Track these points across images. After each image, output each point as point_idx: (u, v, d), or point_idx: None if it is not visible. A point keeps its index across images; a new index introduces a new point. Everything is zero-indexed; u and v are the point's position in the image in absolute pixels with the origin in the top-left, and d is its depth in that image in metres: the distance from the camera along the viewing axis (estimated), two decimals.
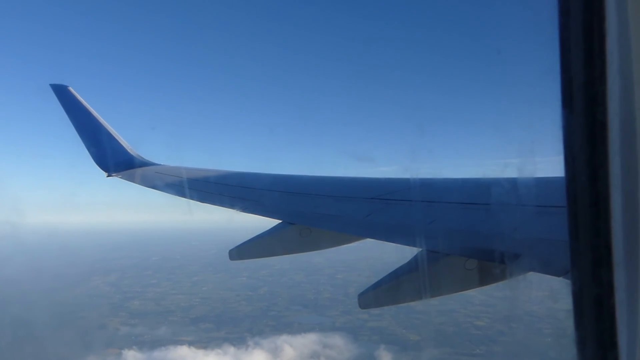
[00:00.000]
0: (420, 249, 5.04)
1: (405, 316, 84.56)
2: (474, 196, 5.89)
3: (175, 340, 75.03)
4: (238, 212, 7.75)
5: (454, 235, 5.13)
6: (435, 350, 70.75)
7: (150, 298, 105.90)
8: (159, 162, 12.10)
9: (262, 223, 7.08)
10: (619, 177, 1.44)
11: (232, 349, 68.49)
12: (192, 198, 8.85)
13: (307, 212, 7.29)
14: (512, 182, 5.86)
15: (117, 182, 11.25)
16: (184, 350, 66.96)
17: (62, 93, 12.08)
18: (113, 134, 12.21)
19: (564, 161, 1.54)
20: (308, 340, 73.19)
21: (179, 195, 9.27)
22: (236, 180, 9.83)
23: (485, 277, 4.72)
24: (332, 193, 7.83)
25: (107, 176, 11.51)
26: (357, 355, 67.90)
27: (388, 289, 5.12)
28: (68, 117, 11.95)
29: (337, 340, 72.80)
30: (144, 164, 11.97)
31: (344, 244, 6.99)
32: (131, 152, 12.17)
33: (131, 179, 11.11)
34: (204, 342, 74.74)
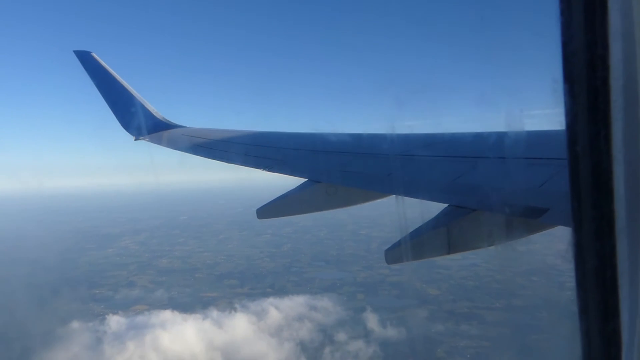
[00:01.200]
0: (446, 205, 5.05)
1: (426, 271, 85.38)
2: (501, 150, 5.82)
3: (200, 297, 77.77)
4: (264, 171, 7.84)
5: (480, 190, 5.12)
6: (453, 305, 71.49)
7: (178, 256, 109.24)
8: (184, 125, 12.27)
9: (288, 182, 7.17)
10: (620, 142, 1.41)
11: (215, 313, 68.92)
12: (218, 159, 9.10)
13: (333, 170, 7.29)
14: (539, 135, 5.86)
15: (145, 145, 11.62)
16: (166, 315, 67.40)
17: (86, 59, 12.31)
18: (138, 98, 12.41)
19: (565, 127, 1.52)
20: (295, 303, 73.59)
21: (206, 157, 9.47)
22: (261, 140, 9.96)
23: (512, 232, 4.71)
24: (357, 150, 7.88)
25: (135, 140, 11.76)
26: (343, 318, 68.09)
27: (415, 245, 5.13)
28: (93, 82, 12.21)
29: (325, 303, 73.11)
30: (170, 126, 12.11)
31: (369, 200, 6.98)
32: (157, 116, 12.35)
33: (158, 142, 11.34)
34: (228, 298, 77.21)
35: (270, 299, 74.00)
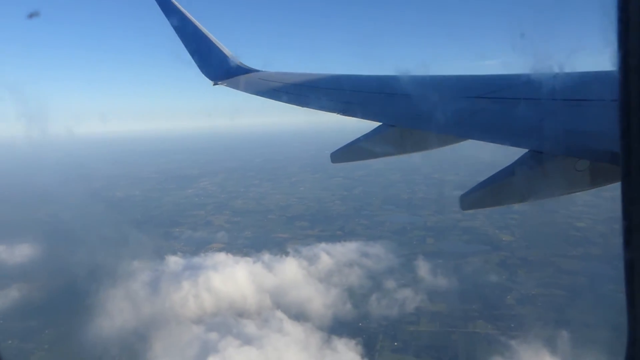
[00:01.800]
0: (527, 150, 4.83)
1: (499, 216, 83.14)
2: (587, 92, 5.47)
3: (272, 238, 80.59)
4: (338, 115, 7.68)
5: (564, 135, 4.79)
6: (527, 251, 69.43)
7: (252, 197, 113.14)
8: (260, 69, 12.28)
9: (362, 125, 7.06)
10: None
11: (267, 256, 69.90)
12: (293, 103, 9.11)
13: (408, 113, 7.17)
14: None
15: (223, 90, 11.81)
16: (223, 257, 69.28)
17: (165, 4, 12.38)
18: (216, 43, 12.44)
19: (619, 121, 1.36)
20: (347, 249, 73.07)
21: (281, 101, 9.50)
22: (336, 83, 9.88)
23: (596, 179, 4.49)
24: (433, 93, 7.51)
25: (213, 85, 11.97)
26: (395, 265, 67.17)
27: (492, 191, 5.01)
28: (173, 28, 12.27)
29: (377, 250, 72.31)
30: (247, 71, 12.20)
31: (446, 145, 6.80)
32: (234, 60, 12.43)
33: (235, 86, 11.45)
34: (298, 239, 79.48)
35: (322, 245, 74.72)
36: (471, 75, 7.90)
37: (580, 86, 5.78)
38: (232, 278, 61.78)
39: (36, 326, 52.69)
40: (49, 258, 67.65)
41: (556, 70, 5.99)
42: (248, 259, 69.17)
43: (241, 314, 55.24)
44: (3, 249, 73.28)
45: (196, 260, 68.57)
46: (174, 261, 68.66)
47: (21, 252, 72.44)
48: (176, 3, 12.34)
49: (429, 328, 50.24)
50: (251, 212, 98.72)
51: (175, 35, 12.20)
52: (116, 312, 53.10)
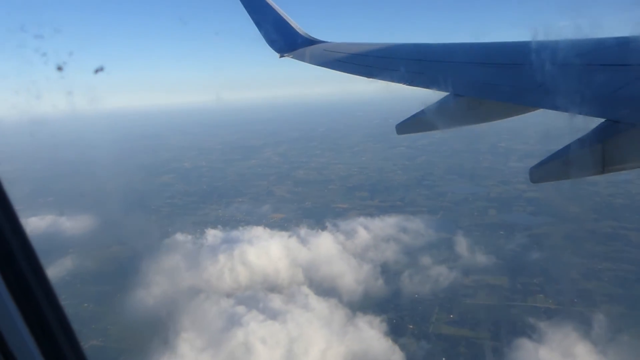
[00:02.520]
0: (603, 120, 4.64)
1: (568, 187, 79.42)
2: None
3: (332, 208, 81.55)
4: (404, 85, 7.60)
5: None
6: (594, 224, 66.33)
7: (314, 167, 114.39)
8: (326, 40, 12.41)
9: (428, 95, 6.93)
10: None
11: (303, 231, 68.78)
12: (358, 74, 9.09)
13: (476, 82, 6.98)
14: None
15: (289, 62, 12.00)
16: (258, 231, 69.15)
17: None
18: (282, 15, 12.63)
19: None
20: (386, 224, 71.22)
21: (346, 72, 9.52)
22: (402, 52, 9.66)
23: None
24: (501, 61, 7.31)
25: (280, 57, 12.12)
26: (436, 240, 65.66)
27: (565, 163, 4.83)
28: (240, 1, 12.66)
29: (417, 225, 70.34)
30: (313, 42, 12.29)
31: (515, 115, 6.67)
32: (300, 32, 12.56)
33: (301, 58, 11.60)
34: (358, 209, 79.95)
35: (361, 219, 73.52)
36: (541, 40, 7.30)
37: None
38: (267, 252, 62.30)
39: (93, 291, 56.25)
40: (110, 228, 70.66)
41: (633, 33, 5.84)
42: (284, 233, 69.19)
43: (272, 288, 55.70)
44: (74, 220, 77.68)
45: (234, 233, 68.96)
46: (214, 234, 69.48)
47: (83, 223, 75.71)
48: None
49: (487, 301, 49.65)
50: (312, 182, 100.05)
51: (242, 6, 12.46)
52: (154, 284, 55.11)
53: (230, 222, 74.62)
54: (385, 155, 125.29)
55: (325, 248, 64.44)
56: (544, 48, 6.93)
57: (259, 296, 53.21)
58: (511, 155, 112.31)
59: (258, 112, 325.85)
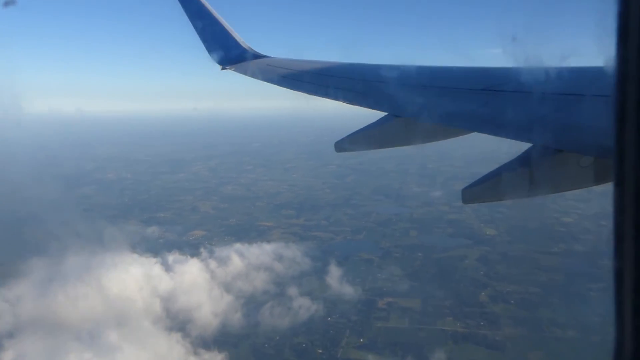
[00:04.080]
0: (531, 144, 4.82)
1: (487, 210, 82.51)
2: (594, 87, 5.34)
3: (256, 226, 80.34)
4: (344, 103, 7.79)
5: (568, 130, 4.83)
6: (507, 246, 68.95)
7: (243, 183, 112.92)
8: (269, 55, 12.40)
9: (367, 114, 7.12)
10: None
11: (171, 258, 64.64)
12: (300, 90, 9.16)
13: (414, 104, 7.05)
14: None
15: (230, 74, 11.97)
16: (124, 256, 63.97)
17: None
18: (226, 28, 12.62)
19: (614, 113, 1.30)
20: (262, 251, 68.22)
21: (288, 87, 9.58)
22: (343, 71, 9.90)
23: (600, 176, 4.45)
24: (439, 84, 7.62)
25: (221, 69, 12.11)
26: (311, 269, 63.82)
27: (495, 185, 4.95)
28: (184, 11, 12.50)
29: (294, 252, 67.52)
30: (255, 56, 12.29)
31: (450, 137, 6.85)
32: (243, 45, 12.54)
33: (244, 71, 11.57)
34: (282, 228, 79.23)
35: (238, 245, 70.05)
36: (477, 67, 7.85)
37: (584, 81, 5.74)
38: (127, 280, 58.59)
39: None
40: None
41: (562, 64, 6.09)
42: (153, 259, 65.23)
43: (120, 321, 51.23)
44: None
45: (99, 258, 63.53)
46: (75, 259, 62.69)
47: None
48: None
49: (399, 325, 50.05)
50: (239, 198, 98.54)
51: (185, 16, 12.37)
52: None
53: (145, 240, 71.92)
54: (316, 173, 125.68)
55: (191, 277, 61.34)
56: (478, 74, 7.40)
57: (97, 331, 48.77)
58: (438, 177, 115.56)
59: (195, 123, 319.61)
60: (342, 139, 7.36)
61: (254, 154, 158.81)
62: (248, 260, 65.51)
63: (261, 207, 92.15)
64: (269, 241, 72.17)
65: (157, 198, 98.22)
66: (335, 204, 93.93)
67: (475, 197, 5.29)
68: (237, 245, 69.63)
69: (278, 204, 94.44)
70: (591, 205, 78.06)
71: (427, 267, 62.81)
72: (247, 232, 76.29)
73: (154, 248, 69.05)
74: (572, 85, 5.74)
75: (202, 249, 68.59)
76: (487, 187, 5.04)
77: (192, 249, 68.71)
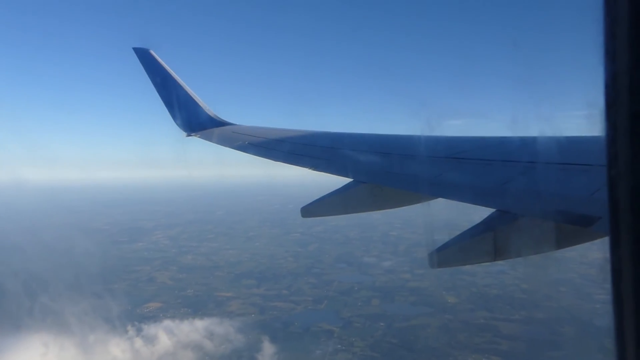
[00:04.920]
0: (494, 210, 4.92)
1: (449, 277, 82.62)
2: (553, 156, 5.63)
3: (214, 297, 77.88)
4: (310, 170, 7.85)
5: (529, 196, 5.01)
6: (469, 314, 68.49)
7: (203, 253, 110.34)
8: (235, 122, 12.55)
9: (333, 181, 7.17)
10: None
11: (93, 337, 61.54)
12: (265, 157, 9.25)
13: (379, 170, 7.34)
14: (592, 141, 5.80)
15: (196, 141, 11.99)
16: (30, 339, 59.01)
17: (144, 56, 12.77)
18: (192, 95, 12.79)
19: (604, 119, 1.37)
20: (193, 328, 65.28)
21: (254, 154, 9.64)
22: (308, 139, 10.06)
23: (562, 240, 4.56)
24: (404, 152, 7.84)
25: (187, 136, 12.19)
26: (244, 346, 61.45)
27: (459, 250, 5.00)
28: (150, 78, 12.65)
29: (227, 329, 64.84)
30: (221, 124, 12.42)
31: (414, 203, 6.90)
32: (209, 113, 12.62)
33: (209, 138, 11.60)
34: (242, 298, 77.00)
35: (168, 322, 66.97)
36: (440, 136, 8.15)
37: (549, 149, 5.89)
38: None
39: None
40: None
41: (523, 133, 6.48)
42: (72, 339, 61.70)
43: None
44: None
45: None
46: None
47: None
48: (155, 56, 12.70)
49: None
50: (199, 268, 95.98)
51: (150, 84, 12.54)
52: None
53: (95, 313, 68.34)
54: (279, 241, 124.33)
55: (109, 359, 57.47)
56: (442, 142, 7.71)
57: None
58: (400, 245, 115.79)
59: (158, 191, 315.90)
60: (309, 205, 7.40)
61: (217, 222, 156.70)
62: (177, 338, 62.05)
63: (221, 277, 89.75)
64: (227, 313, 69.89)
65: (112, 269, 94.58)
66: (297, 273, 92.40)
67: (441, 262, 5.28)
68: (167, 322, 66.07)
69: (239, 273, 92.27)
70: (551, 272, 79.24)
71: (388, 337, 61.49)
72: (205, 304, 73.77)
73: (99, 323, 65.66)
74: (533, 153, 5.98)
75: (129, 327, 64.69)
76: (451, 252, 5.08)
77: (146, 321, 65.75)
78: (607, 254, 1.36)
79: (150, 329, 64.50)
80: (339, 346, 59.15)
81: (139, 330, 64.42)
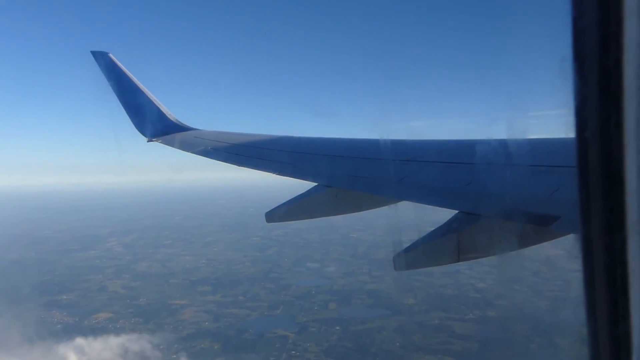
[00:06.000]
0: (456, 211, 5.01)
1: (407, 278, 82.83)
2: (513, 157, 5.69)
3: (167, 305, 75.81)
4: (274, 174, 7.79)
5: (491, 197, 5.06)
6: (424, 315, 68.84)
7: (159, 259, 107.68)
8: (197, 127, 12.39)
9: (296, 185, 7.14)
10: (633, 129, 1.28)
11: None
12: (229, 162, 9.14)
13: (343, 174, 7.34)
14: (551, 142, 5.97)
15: (157, 146, 11.70)
16: None
17: (102, 60, 12.34)
18: (153, 100, 12.49)
19: (574, 111, 1.38)
20: (107, 345, 61.20)
21: (217, 160, 9.47)
22: (272, 143, 9.99)
23: (522, 240, 4.67)
24: (367, 155, 7.84)
25: (147, 141, 11.89)
26: None
27: (424, 252, 5.10)
28: (109, 83, 12.20)
29: (144, 345, 61.24)
30: (183, 128, 12.27)
31: (378, 206, 7.01)
32: (170, 117, 12.45)
33: (171, 143, 11.47)
34: (197, 306, 75.25)
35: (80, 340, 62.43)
36: (402, 140, 8.14)
37: (509, 151, 5.94)
38: None
39: None
40: None
41: (487, 136, 6.63)
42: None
43: None
44: None
45: None
46: None
47: None
48: (114, 59, 12.27)
49: None
50: (153, 275, 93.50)
51: (109, 88, 12.15)
52: None
53: (38, 327, 65.38)
54: (238, 246, 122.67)
55: None
56: (405, 146, 7.70)
57: None
58: (360, 247, 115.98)
59: (116, 197, 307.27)
60: (273, 210, 7.36)
61: (175, 227, 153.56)
62: (87, 358, 59.27)
63: (176, 285, 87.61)
64: (179, 321, 68.15)
65: (62, 279, 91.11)
66: (255, 278, 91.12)
67: (406, 264, 5.38)
68: (79, 341, 62.41)
69: (194, 280, 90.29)
70: (504, 270, 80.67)
71: (343, 342, 61.10)
72: (157, 313, 71.69)
73: (45, 336, 62.83)
74: (495, 155, 6.04)
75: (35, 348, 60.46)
76: (416, 254, 5.13)
77: (92, 333, 63.34)
78: (578, 252, 1.38)
79: (58, 348, 60.95)
80: (293, 352, 58.35)
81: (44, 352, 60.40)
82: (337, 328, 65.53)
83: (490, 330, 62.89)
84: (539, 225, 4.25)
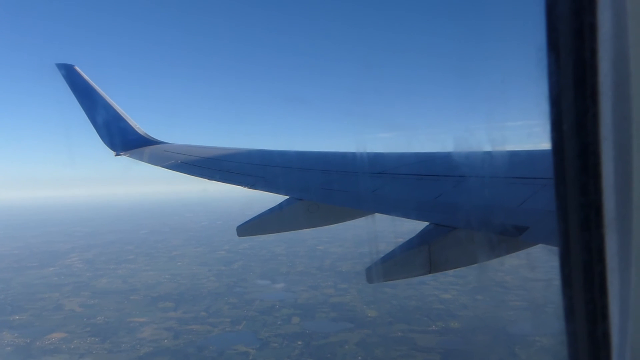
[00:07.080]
0: (427, 223, 5.06)
1: (371, 290, 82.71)
2: (483, 169, 5.75)
3: (126, 323, 73.70)
4: (243, 187, 7.76)
5: (461, 209, 5.09)
6: (387, 328, 68.65)
7: (120, 275, 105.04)
8: (166, 141, 12.24)
9: (268, 198, 7.13)
10: (610, 121, 1.27)
11: None
12: (199, 176, 9.01)
13: (315, 187, 7.33)
14: (521, 154, 6.06)
15: (125, 160, 11.48)
16: None
17: (68, 72, 12.02)
18: (120, 113, 12.23)
19: (549, 114, 1.36)
20: None
21: (187, 174, 9.35)
22: (243, 157, 9.99)
23: (492, 250, 4.67)
24: (339, 168, 7.82)
25: (116, 155, 11.68)
26: None
27: (396, 264, 5.07)
28: (75, 96, 11.88)
29: None
30: (151, 142, 12.15)
31: (350, 219, 7.03)
32: (138, 131, 12.28)
33: (139, 157, 11.33)
34: (156, 323, 73.37)
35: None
36: (374, 152, 8.15)
37: (477, 164, 6.02)
38: None
39: None
40: None
41: (459, 148, 6.70)
42: None
43: None
44: None
45: None
46: None
47: None
48: (80, 72, 12.05)
49: None
50: (113, 292, 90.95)
51: (75, 101, 11.87)
52: None
53: None
54: (204, 260, 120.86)
55: None
56: (376, 159, 7.72)
57: None
58: (326, 259, 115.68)
59: (79, 211, 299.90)
60: (244, 224, 7.29)
61: (139, 242, 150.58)
62: None
63: (136, 301, 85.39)
64: (137, 340, 66.19)
65: (16, 298, 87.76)
66: (218, 293, 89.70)
67: (377, 277, 5.36)
68: None
69: (156, 296, 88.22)
70: (469, 281, 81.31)
71: (305, 357, 60.34)
72: (115, 331, 69.58)
73: None
74: (466, 167, 6.16)
75: None
76: (388, 266, 5.09)
77: (44, 355, 60.88)
78: (556, 261, 1.37)
79: None
80: None
81: None
82: (300, 343, 64.75)
83: (453, 341, 63.11)
84: (509, 235, 4.26)
